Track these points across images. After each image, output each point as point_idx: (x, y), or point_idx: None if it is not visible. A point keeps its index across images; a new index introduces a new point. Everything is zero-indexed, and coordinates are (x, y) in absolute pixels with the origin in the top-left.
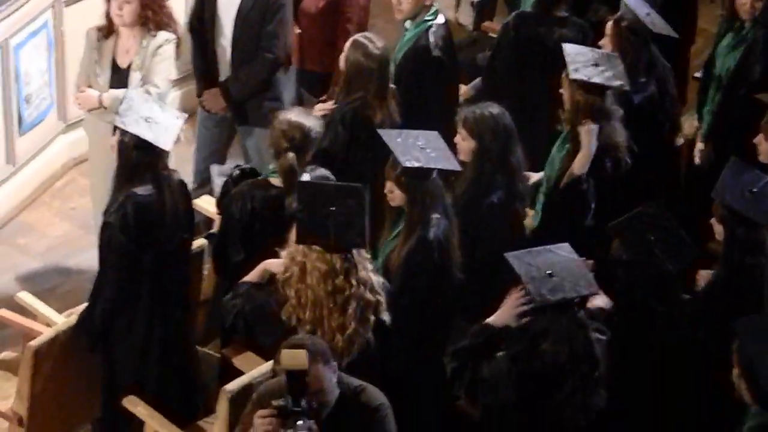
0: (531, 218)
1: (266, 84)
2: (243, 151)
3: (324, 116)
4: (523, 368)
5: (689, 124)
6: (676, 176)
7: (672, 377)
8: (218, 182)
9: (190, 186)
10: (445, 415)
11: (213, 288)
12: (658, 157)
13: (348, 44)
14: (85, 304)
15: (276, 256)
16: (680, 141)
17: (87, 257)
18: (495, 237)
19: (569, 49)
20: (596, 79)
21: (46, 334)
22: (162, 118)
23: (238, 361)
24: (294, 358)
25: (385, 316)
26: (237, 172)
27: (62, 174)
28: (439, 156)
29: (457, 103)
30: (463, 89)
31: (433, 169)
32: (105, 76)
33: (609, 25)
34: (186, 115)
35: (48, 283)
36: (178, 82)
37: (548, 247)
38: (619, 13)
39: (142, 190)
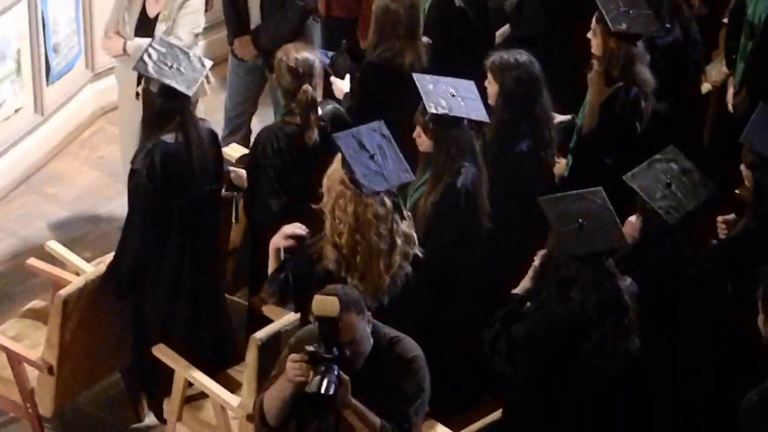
0: (563, 166)
1: (296, 31)
2: (273, 98)
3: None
4: (552, 317)
5: (717, 70)
6: (701, 122)
7: (700, 325)
8: None
9: (221, 134)
10: (474, 364)
11: (241, 236)
12: (684, 102)
13: None
14: (114, 253)
15: (311, 196)
16: (708, 87)
17: (115, 206)
18: (523, 186)
19: None
20: (635, 29)
21: (75, 282)
22: (186, 65)
23: (267, 310)
24: (325, 304)
25: (418, 250)
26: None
27: (90, 123)
28: (468, 105)
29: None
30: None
31: (460, 117)
32: (132, 24)
33: None
34: (212, 63)
35: (77, 231)
36: (208, 30)
37: (582, 192)
38: None
39: (170, 137)
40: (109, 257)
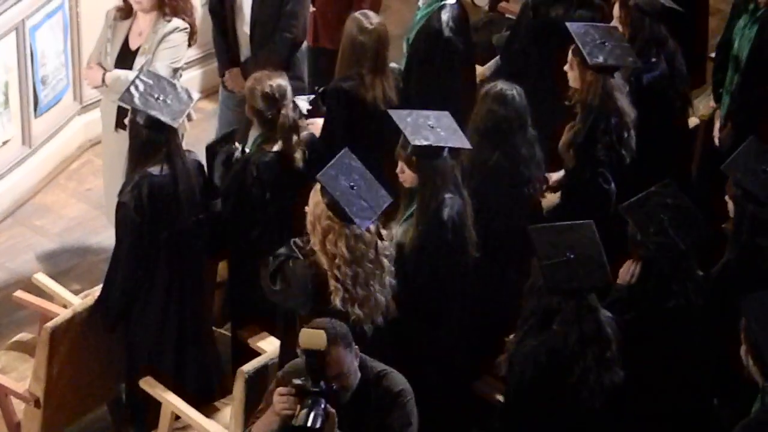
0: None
1: (286, 64)
2: (241, 131)
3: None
4: (533, 353)
5: (705, 104)
6: (689, 156)
7: (687, 356)
8: None
9: None
10: (462, 396)
11: (228, 269)
12: (670, 136)
13: (346, 22)
14: (101, 285)
15: (292, 219)
16: (695, 121)
17: (103, 238)
18: (507, 218)
19: (576, 29)
20: (611, 61)
21: (63, 315)
22: (173, 97)
23: (253, 342)
24: (312, 337)
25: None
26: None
27: (78, 155)
28: (449, 134)
29: (474, 83)
30: (480, 70)
31: (443, 147)
32: (113, 55)
33: (616, 7)
34: (198, 95)
35: (64, 264)
36: (199, 61)
37: (573, 224)
38: None
39: (157, 169)
40: (97, 290)
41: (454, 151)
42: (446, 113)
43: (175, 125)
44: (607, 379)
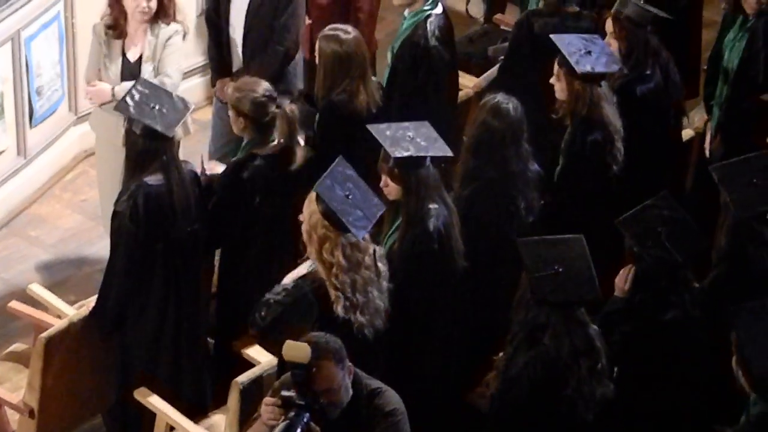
0: None
1: (277, 76)
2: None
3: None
4: (528, 362)
5: (701, 116)
6: (683, 168)
7: (685, 368)
8: None
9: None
10: (453, 407)
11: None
12: (664, 148)
13: (318, 41)
14: (96, 296)
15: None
16: (690, 133)
17: (98, 249)
18: (497, 231)
19: (560, 40)
20: (598, 69)
21: (57, 326)
22: (169, 106)
23: (248, 353)
24: (294, 350)
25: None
26: None
27: (73, 166)
28: (429, 144)
29: (457, 93)
30: (476, 81)
31: (425, 157)
32: (116, 69)
33: (608, 22)
34: (193, 106)
35: (59, 274)
36: (201, 70)
37: (562, 238)
38: (614, 8)
39: (153, 179)
40: (92, 300)
41: (437, 160)
42: (425, 123)
43: (169, 134)
44: (598, 391)
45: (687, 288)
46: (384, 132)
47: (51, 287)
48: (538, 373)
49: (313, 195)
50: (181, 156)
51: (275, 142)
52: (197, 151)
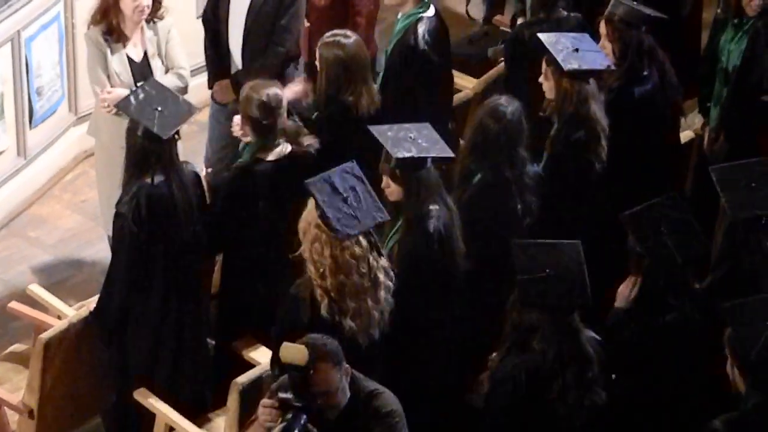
0: None
1: (277, 77)
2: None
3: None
4: (516, 365)
5: (700, 118)
6: (682, 169)
7: (685, 371)
8: None
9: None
10: (453, 407)
11: (220, 280)
12: (663, 150)
13: (318, 50)
14: (97, 297)
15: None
16: (689, 135)
17: (98, 249)
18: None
19: (547, 39)
20: (586, 66)
21: (57, 326)
22: (172, 109)
23: (248, 354)
24: (291, 352)
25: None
26: None
27: (73, 166)
28: (430, 145)
29: (450, 96)
30: (475, 81)
31: (426, 158)
32: (126, 72)
33: (602, 24)
34: (198, 109)
35: (59, 275)
36: (199, 72)
37: (558, 243)
38: (607, 10)
39: (155, 180)
40: (92, 301)
41: (438, 161)
42: (426, 124)
43: (164, 137)
44: (587, 399)
45: (687, 291)
46: (386, 133)
47: (51, 288)
48: (522, 377)
49: None
50: (182, 156)
51: (280, 147)
52: (198, 152)
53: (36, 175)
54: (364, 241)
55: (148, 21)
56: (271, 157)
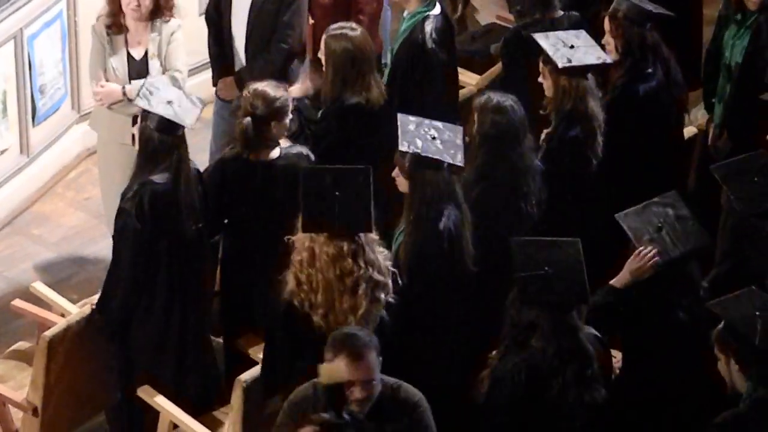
0: None
1: (280, 74)
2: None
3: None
4: (516, 364)
5: (704, 113)
6: (685, 166)
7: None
8: None
9: None
10: (458, 405)
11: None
12: (666, 147)
13: (325, 42)
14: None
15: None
16: (692, 130)
17: (101, 247)
18: (505, 231)
19: (542, 38)
20: (582, 62)
21: (61, 324)
22: (183, 101)
23: (253, 352)
24: (331, 372)
25: (391, 298)
26: None
27: (76, 164)
28: (445, 148)
29: (456, 94)
30: (479, 78)
31: (432, 159)
32: (123, 68)
33: (606, 21)
34: (204, 103)
35: (62, 273)
36: (201, 69)
37: (557, 240)
38: (612, 7)
39: (159, 178)
40: (95, 299)
41: (455, 166)
42: (459, 128)
43: (189, 126)
44: (587, 396)
45: (692, 288)
46: (409, 124)
47: (54, 285)
48: (522, 376)
49: None
50: None
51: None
52: (202, 149)
53: (39, 172)
54: (346, 245)
55: (153, 21)
56: (261, 157)
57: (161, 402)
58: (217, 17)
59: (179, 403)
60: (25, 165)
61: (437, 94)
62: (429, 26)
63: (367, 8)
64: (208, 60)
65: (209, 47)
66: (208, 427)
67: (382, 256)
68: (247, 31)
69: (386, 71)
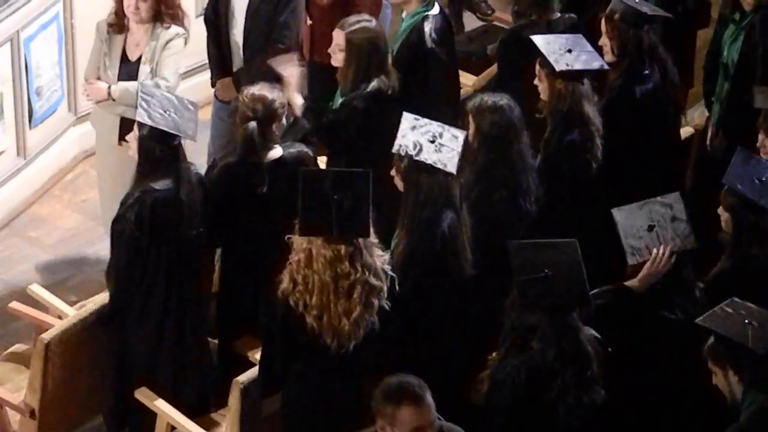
0: None
1: (279, 75)
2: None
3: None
4: (516, 366)
5: (700, 113)
6: (682, 166)
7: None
8: None
9: None
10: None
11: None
12: (663, 149)
13: (347, 39)
14: (98, 296)
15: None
16: (689, 130)
17: (98, 249)
18: (503, 232)
19: (540, 41)
20: (578, 66)
21: (58, 326)
22: (179, 108)
23: (249, 354)
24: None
25: (385, 303)
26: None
27: (73, 166)
28: (441, 153)
29: (457, 94)
30: (475, 79)
31: (424, 164)
32: (114, 68)
33: (603, 22)
34: (197, 104)
35: (59, 275)
36: (199, 70)
37: (554, 242)
38: (608, 8)
39: (161, 184)
40: (92, 300)
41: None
42: (464, 133)
43: (195, 138)
44: (587, 398)
45: (688, 288)
46: (411, 124)
47: (51, 288)
48: (522, 378)
49: None
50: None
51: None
52: (199, 150)
53: (36, 175)
54: (344, 248)
55: (154, 26)
56: (265, 159)
57: (158, 404)
58: (215, 18)
59: (176, 405)
60: (22, 167)
61: (438, 94)
62: (429, 26)
63: (365, 10)
64: (206, 62)
65: (208, 48)
66: (205, 429)
67: (380, 259)
68: (244, 31)
69: None
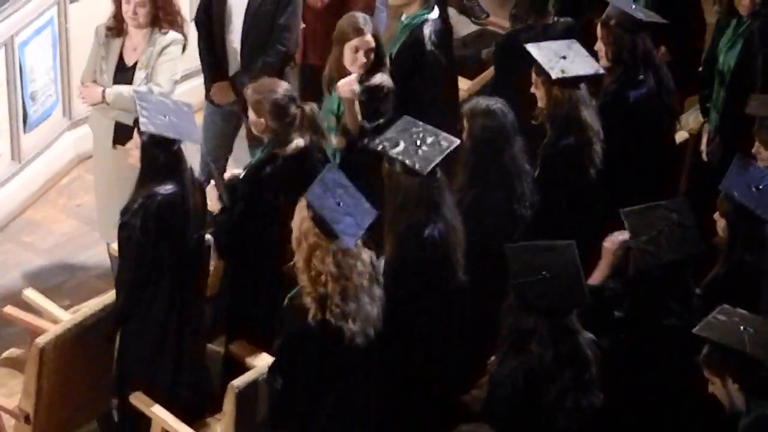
0: None
1: (278, 77)
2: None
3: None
4: (514, 369)
5: (694, 118)
6: (677, 171)
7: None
8: None
9: None
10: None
11: (219, 283)
12: (658, 154)
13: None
14: (92, 300)
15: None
16: (684, 135)
17: (93, 253)
18: (497, 237)
19: (535, 50)
20: (574, 72)
21: (52, 331)
22: (176, 111)
23: (247, 358)
24: None
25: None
26: None
27: (68, 171)
28: (418, 156)
29: (457, 97)
30: (470, 83)
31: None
32: (110, 72)
33: (598, 27)
34: (192, 106)
35: (54, 280)
36: (197, 74)
37: (552, 244)
38: (605, 14)
39: (164, 189)
40: (87, 305)
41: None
42: (456, 142)
43: (198, 141)
44: (585, 401)
45: (686, 294)
46: (401, 128)
47: (46, 292)
48: (520, 381)
49: (303, 202)
50: None
51: (294, 143)
52: (189, 156)
53: (30, 179)
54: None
55: (152, 31)
56: (287, 152)
57: (153, 408)
58: (208, 21)
59: (171, 410)
60: (16, 172)
61: (437, 99)
62: (428, 29)
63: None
64: (197, 66)
65: (200, 52)
66: None
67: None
68: (242, 34)
69: None
